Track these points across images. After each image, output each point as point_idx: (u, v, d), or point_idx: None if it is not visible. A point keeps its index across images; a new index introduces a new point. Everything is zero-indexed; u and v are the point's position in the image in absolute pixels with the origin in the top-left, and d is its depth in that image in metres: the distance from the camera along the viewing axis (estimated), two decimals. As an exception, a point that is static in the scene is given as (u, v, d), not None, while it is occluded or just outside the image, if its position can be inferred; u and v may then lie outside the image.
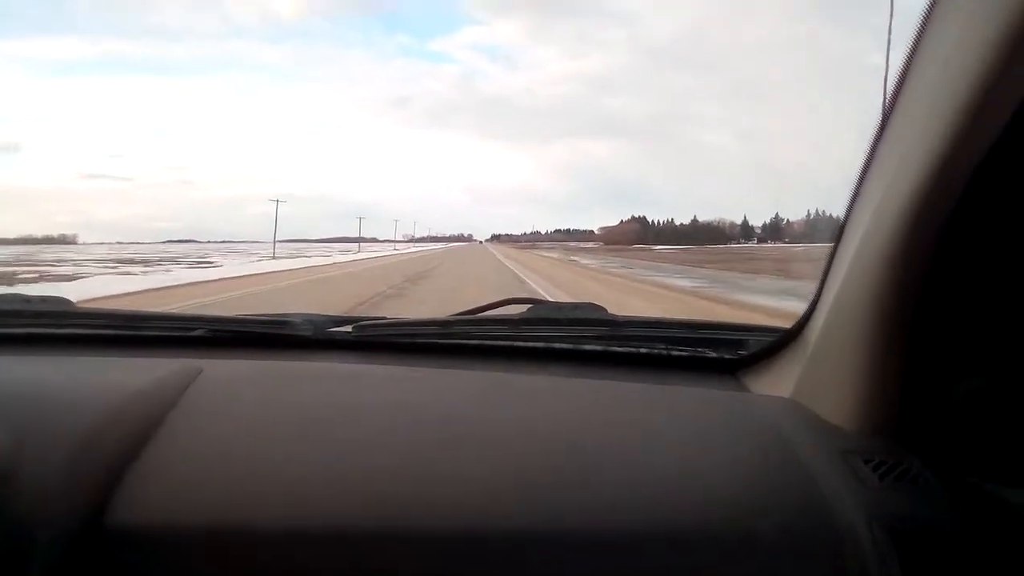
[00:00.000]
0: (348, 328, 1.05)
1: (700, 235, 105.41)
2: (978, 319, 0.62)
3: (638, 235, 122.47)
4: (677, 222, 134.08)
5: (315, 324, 1.05)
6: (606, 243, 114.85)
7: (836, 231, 0.74)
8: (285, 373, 0.83)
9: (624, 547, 0.55)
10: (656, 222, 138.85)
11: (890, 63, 0.65)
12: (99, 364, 0.85)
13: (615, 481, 0.61)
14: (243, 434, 0.66)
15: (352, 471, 0.61)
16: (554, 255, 46.78)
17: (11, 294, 1.14)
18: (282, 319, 1.05)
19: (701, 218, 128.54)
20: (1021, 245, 0.59)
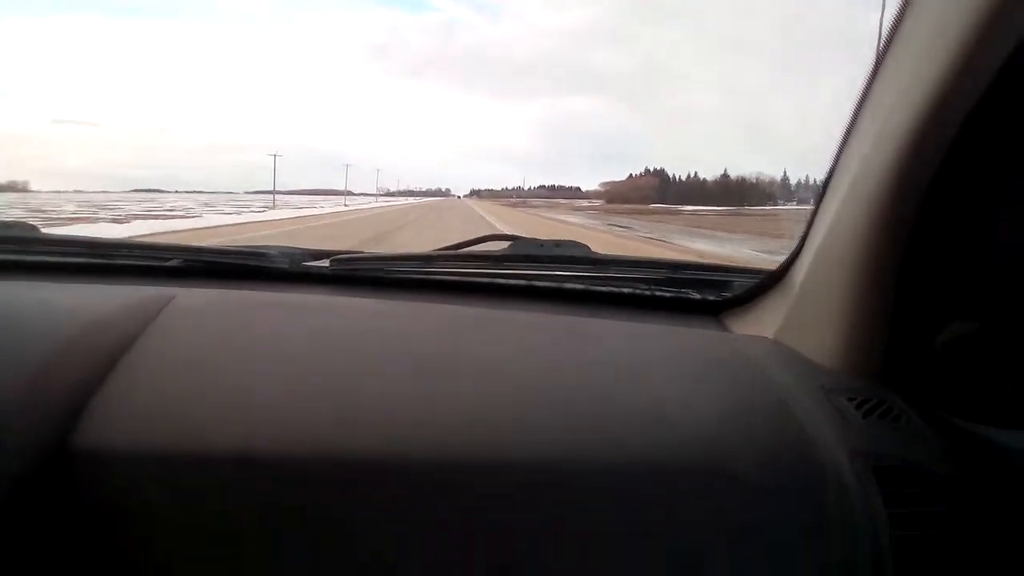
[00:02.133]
0: (325, 262, 1.05)
1: (732, 194, 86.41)
2: (966, 263, 0.63)
3: (657, 192, 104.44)
4: (702, 177, 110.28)
5: (292, 257, 1.05)
6: (609, 201, 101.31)
7: (826, 173, 0.74)
8: (258, 303, 0.83)
9: (603, 480, 0.55)
10: (675, 177, 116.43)
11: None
12: (67, 290, 0.84)
13: (594, 415, 0.61)
14: (213, 361, 0.66)
15: (322, 400, 0.60)
16: (555, 216, 38.83)
17: None
18: (259, 251, 1.05)
19: (732, 173, 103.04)
20: (1011, 190, 0.59)
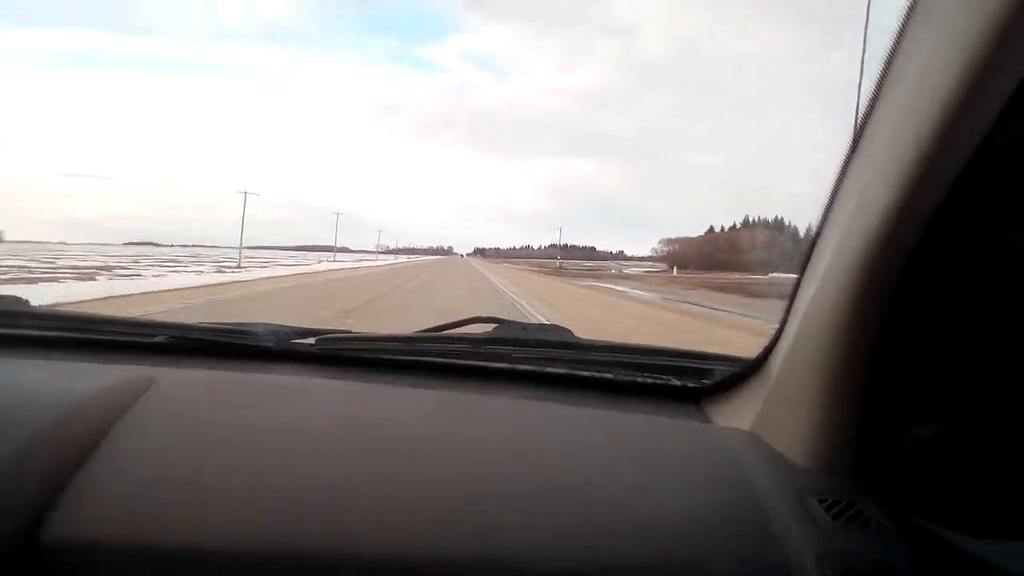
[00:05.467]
0: (311, 340, 1.08)
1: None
2: (937, 364, 0.65)
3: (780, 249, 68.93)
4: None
5: (278, 335, 1.08)
6: (675, 264, 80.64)
7: (800, 263, 0.75)
8: (241, 384, 0.86)
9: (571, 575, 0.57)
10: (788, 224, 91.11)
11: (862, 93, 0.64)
12: (48, 368, 0.86)
13: (569, 508, 0.63)
14: (191, 448, 0.67)
15: (302, 490, 0.62)
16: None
17: None
18: (245, 329, 1.08)
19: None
20: (980, 291, 0.61)
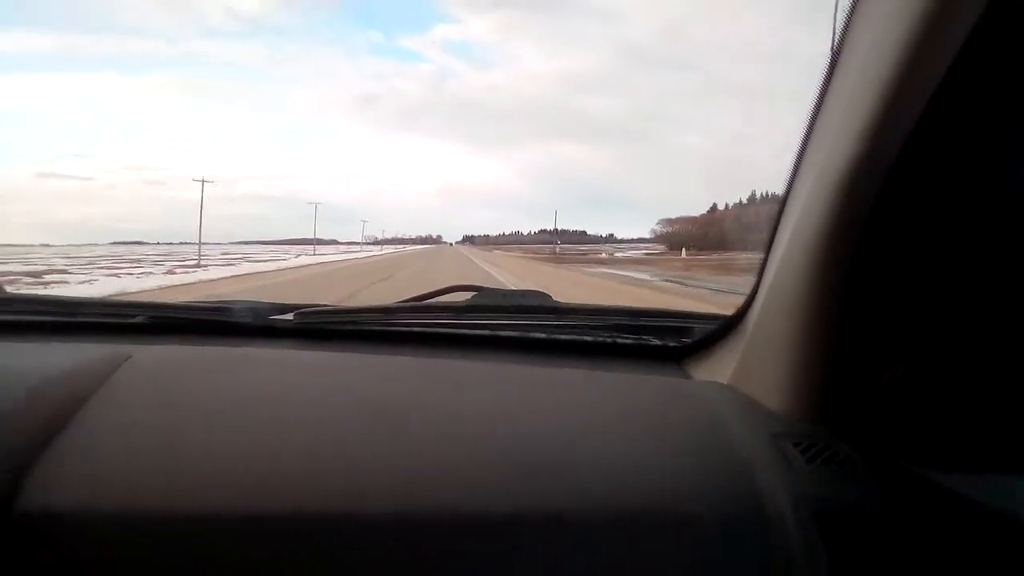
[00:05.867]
0: (289, 316, 1.08)
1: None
2: (905, 308, 0.66)
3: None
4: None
5: (256, 311, 1.08)
6: (678, 245, 78.14)
7: (772, 219, 0.77)
8: (218, 358, 0.85)
9: (556, 528, 0.57)
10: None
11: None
12: (22, 349, 0.86)
13: (555, 465, 0.64)
14: (168, 419, 0.67)
15: (281, 457, 0.62)
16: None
17: None
18: (223, 306, 1.08)
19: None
20: (944, 236, 0.62)
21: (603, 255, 71.90)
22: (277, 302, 1.14)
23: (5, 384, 0.64)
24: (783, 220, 0.72)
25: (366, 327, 1.05)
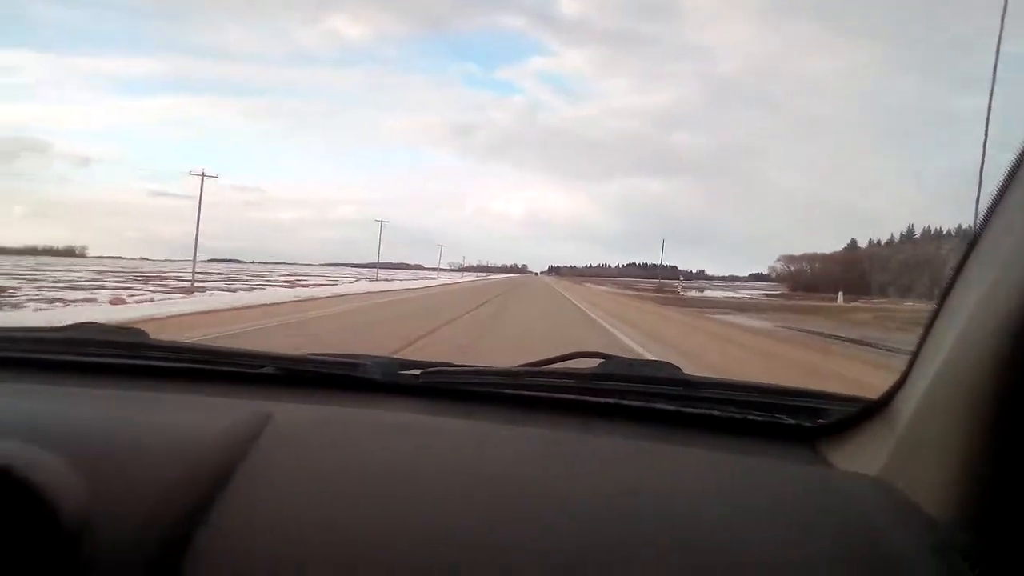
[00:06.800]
0: (416, 372, 1.11)
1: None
2: None
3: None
4: None
5: (383, 367, 1.11)
6: (792, 287, 71.02)
7: (939, 295, 0.70)
8: (352, 422, 0.87)
9: None
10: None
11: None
12: (171, 402, 0.91)
13: (680, 555, 0.60)
14: (310, 490, 0.67)
15: (411, 533, 0.61)
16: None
17: (89, 323, 1.25)
18: (351, 360, 1.12)
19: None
20: None
21: (719, 295, 62.12)
22: (402, 358, 1.18)
23: (161, 448, 0.66)
24: (955, 292, 0.64)
25: (491, 389, 1.06)
